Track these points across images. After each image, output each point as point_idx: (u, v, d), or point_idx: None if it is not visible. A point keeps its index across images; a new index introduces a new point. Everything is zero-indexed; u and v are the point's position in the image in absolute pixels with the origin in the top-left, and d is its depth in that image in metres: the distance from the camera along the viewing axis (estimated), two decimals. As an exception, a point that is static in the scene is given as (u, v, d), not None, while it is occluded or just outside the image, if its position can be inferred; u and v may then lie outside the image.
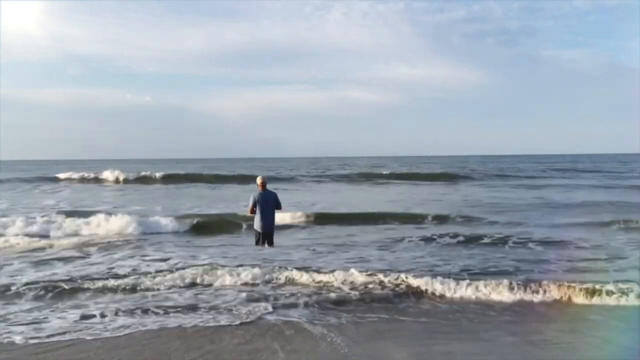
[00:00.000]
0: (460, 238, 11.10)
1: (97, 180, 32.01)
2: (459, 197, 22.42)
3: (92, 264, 8.81)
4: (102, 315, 6.02)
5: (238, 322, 5.83)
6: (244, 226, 13.25)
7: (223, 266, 8.10)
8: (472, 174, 38.26)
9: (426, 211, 15.65)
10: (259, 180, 10.20)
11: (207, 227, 13.65)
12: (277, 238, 10.50)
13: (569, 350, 5.08)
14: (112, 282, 7.34)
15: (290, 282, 7.45)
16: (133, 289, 7.13)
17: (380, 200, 21.41)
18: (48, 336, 5.36)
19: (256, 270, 7.73)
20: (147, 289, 7.14)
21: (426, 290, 6.98)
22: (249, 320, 5.90)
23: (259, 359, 4.82)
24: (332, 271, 7.84)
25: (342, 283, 7.25)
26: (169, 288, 7.22)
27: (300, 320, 5.88)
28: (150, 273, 7.81)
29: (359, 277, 7.43)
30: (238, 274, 7.59)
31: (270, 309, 6.30)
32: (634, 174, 38.99)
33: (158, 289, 7.16)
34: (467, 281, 7.18)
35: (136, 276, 7.64)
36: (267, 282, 7.44)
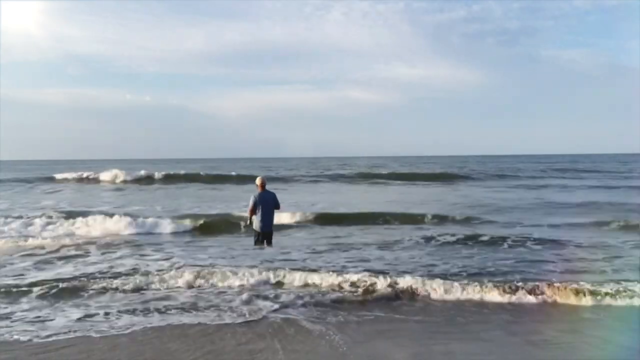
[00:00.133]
0: (460, 238, 11.10)
1: (97, 180, 31.99)
2: (459, 197, 22.43)
3: (92, 264, 8.82)
4: (103, 315, 6.02)
5: (238, 321, 5.84)
6: (243, 224, 13.21)
7: (223, 266, 8.10)
8: (471, 174, 38.27)
9: (426, 211, 15.65)
10: (258, 181, 10.21)
11: (206, 227, 13.65)
12: (277, 238, 10.52)
13: (568, 350, 5.09)
14: (112, 282, 7.34)
15: (290, 282, 7.44)
16: (133, 289, 7.13)
17: (379, 200, 21.42)
18: (49, 335, 5.36)
19: (256, 270, 7.74)
20: (147, 289, 7.15)
21: (426, 290, 6.98)
22: (249, 319, 5.91)
23: (259, 358, 4.82)
24: (332, 271, 7.86)
25: (342, 283, 7.26)
26: (169, 288, 7.23)
27: (301, 320, 5.89)
28: (150, 273, 7.82)
29: (359, 277, 7.43)
30: (238, 274, 7.59)
31: (270, 308, 6.31)
32: (634, 174, 39.02)
33: (158, 289, 7.16)
34: (467, 281, 7.20)
35: (136, 276, 7.64)
36: (267, 282, 7.44)
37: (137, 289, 7.13)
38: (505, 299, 6.74)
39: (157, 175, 32.27)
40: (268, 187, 10.26)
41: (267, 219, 9.92)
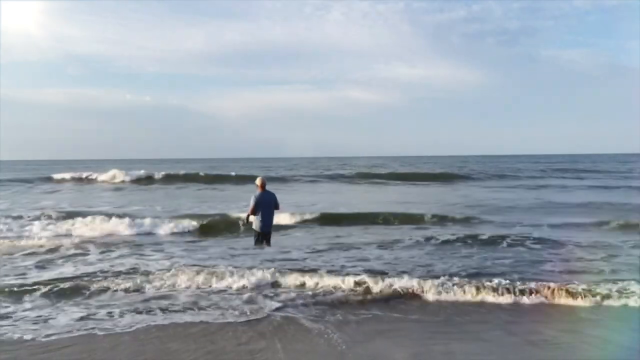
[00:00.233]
0: (459, 238, 11.10)
1: (97, 180, 31.99)
2: (458, 197, 22.44)
3: (92, 264, 8.82)
4: (104, 315, 6.04)
5: (239, 321, 5.86)
6: (241, 223, 13.20)
7: (223, 266, 8.11)
8: (471, 174, 38.28)
9: (425, 211, 15.65)
10: (258, 181, 10.22)
11: (206, 227, 13.65)
12: (277, 238, 10.55)
13: (568, 350, 5.10)
14: (113, 282, 7.35)
15: (290, 281, 7.45)
16: (133, 289, 7.14)
17: (379, 200, 21.44)
18: (52, 334, 5.39)
19: (256, 270, 7.75)
20: (148, 289, 7.16)
21: (425, 290, 6.99)
22: (249, 319, 5.92)
23: (260, 358, 4.84)
24: (332, 271, 7.87)
25: (342, 283, 7.26)
26: (169, 288, 7.24)
27: (301, 320, 5.90)
28: (150, 272, 7.83)
29: (359, 277, 7.44)
30: (238, 274, 7.60)
31: (270, 308, 6.32)
32: (634, 174, 39.03)
33: (158, 289, 7.17)
34: (466, 281, 7.21)
35: (136, 275, 7.65)
36: (267, 281, 7.45)
37: (137, 289, 7.14)
38: (504, 299, 6.75)
39: (157, 175, 32.28)
40: (268, 187, 10.27)
41: (267, 219, 9.95)
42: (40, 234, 12.46)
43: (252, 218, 9.98)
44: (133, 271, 8.05)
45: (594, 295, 6.67)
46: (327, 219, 14.71)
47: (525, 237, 11.08)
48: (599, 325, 5.83)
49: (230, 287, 7.23)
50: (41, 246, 10.54)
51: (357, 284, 7.22)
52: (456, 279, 7.32)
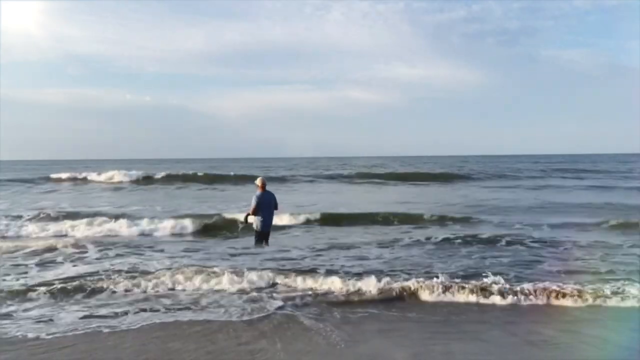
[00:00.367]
0: (459, 237, 11.12)
1: (97, 180, 32.00)
2: (458, 197, 22.44)
3: (92, 264, 8.83)
4: (105, 314, 6.06)
5: (239, 320, 5.87)
6: (240, 223, 13.20)
7: (223, 266, 8.12)
8: (471, 174, 38.26)
9: (425, 211, 15.66)
10: (259, 182, 10.24)
11: (206, 227, 13.66)
12: (277, 238, 10.57)
13: (567, 350, 5.11)
14: (113, 282, 7.36)
15: (291, 281, 7.46)
16: (134, 289, 7.15)
17: (379, 200, 21.44)
18: (54, 333, 5.40)
19: (256, 270, 7.76)
20: (148, 289, 7.17)
21: (425, 290, 7.00)
22: (249, 319, 5.93)
23: (260, 358, 4.84)
24: (332, 271, 7.88)
25: (342, 282, 7.27)
26: (169, 288, 7.25)
27: (301, 320, 5.91)
28: (150, 272, 7.83)
29: (358, 277, 7.45)
30: (238, 274, 7.61)
31: (270, 308, 6.33)
32: (634, 174, 39.02)
33: (158, 289, 7.18)
34: (466, 281, 7.21)
35: (136, 275, 7.66)
36: (267, 281, 7.46)
37: (137, 289, 7.15)
38: (503, 299, 6.76)
39: (157, 175, 32.28)
40: (267, 187, 10.30)
41: (268, 219, 10.06)
42: (39, 233, 12.49)
43: (251, 218, 10.01)
44: (133, 271, 8.05)
45: (592, 295, 6.68)
46: (327, 219, 14.72)
47: (525, 237, 11.10)
48: (597, 325, 5.84)
49: (230, 287, 7.24)
50: (41, 246, 10.55)
51: (356, 284, 7.23)
52: (456, 279, 7.33)
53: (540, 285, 6.99)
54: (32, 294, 6.85)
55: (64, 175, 33.22)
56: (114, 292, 7.06)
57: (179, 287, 7.27)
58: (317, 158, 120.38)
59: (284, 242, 11.04)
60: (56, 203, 19.16)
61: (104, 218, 13.72)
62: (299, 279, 7.50)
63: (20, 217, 14.26)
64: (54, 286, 7.13)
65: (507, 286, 6.98)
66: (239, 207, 15.40)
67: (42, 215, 14.49)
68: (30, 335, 5.41)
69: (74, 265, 8.74)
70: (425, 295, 6.92)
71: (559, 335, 5.51)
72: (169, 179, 31.76)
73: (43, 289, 7.02)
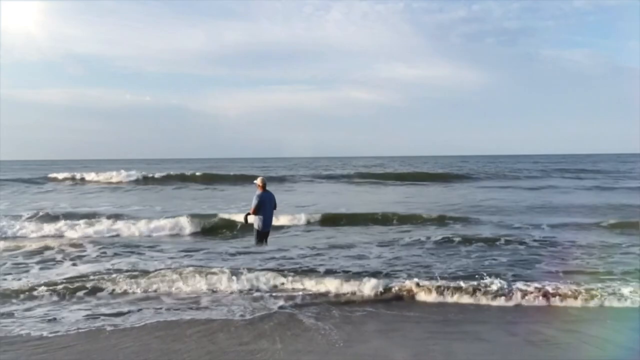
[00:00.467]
0: (459, 237, 11.11)
1: (96, 180, 31.96)
2: (458, 197, 22.43)
3: (92, 264, 8.82)
4: (105, 314, 6.05)
5: (239, 320, 5.87)
6: (240, 222, 13.21)
7: (222, 266, 8.11)
8: (471, 174, 38.26)
9: (425, 211, 15.67)
10: (259, 181, 10.25)
11: (206, 227, 13.65)
12: (277, 238, 10.56)
13: (568, 350, 5.11)
14: (112, 282, 7.35)
15: (291, 281, 7.45)
16: (134, 288, 7.15)
17: (379, 200, 21.43)
18: (56, 332, 5.42)
19: (256, 271, 7.75)
20: (148, 289, 7.17)
21: (425, 290, 7.00)
22: (249, 318, 5.94)
23: (260, 358, 4.84)
24: (332, 271, 7.87)
25: (342, 282, 7.27)
26: (169, 288, 7.24)
27: (301, 320, 5.91)
28: (150, 272, 7.82)
29: (358, 277, 7.45)
30: (238, 274, 7.60)
31: (270, 308, 6.33)
32: (634, 174, 39.03)
33: (158, 289, 7.18)
34: (466, 281, 7.21)
35: (136, 275, 7.65)
36: (267, 282, 7.45)
37: (137, 289, 7.15)
38: (504, 299, 6.75)
39: (157, 175, 32.25)
40: (267, 187, 10.31)
41: (268, 219, 10.13)
42: (38, 233, 12.48)
43: (252, 218, 10.02)
44: (133, 271, 8.05)
45: (593, 295, 6.68)
46: (327, 219, 14.72)
47: (524, 237, 11.09)
48: (598, 325, 5.84)
49: (230, 287, 7.24)
50: (40, 245, 10.53)
51: (356, 284, 7.23)
52: (456, 280, 7.33)
53: (541, 285, 6.99)
54: (33, 293, 6.85)
55: (63, 175, 33.17)
56: (115, 291, 7.06)
57: (179, 287, 7.27)
58: (316, 158, 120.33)
59: (284, 242, 11.03)
60: (55, 203, 19.15)
61: (104, 218, 13.70)
62: (299, 278, 7.50)
63: (19, 216, 14.24)
64: (56, 285, 7.14)
65: (507, 286, 6.98)
66: (238, 207, 15.40)
67: (41, 215, 14.46)
68: (33, 333, 5.41)
69: (74, 265, 8.74)
70: (424, 295, 6.92)
71: (559, 335, 5.51)
72: (169, 179, 31.73)
73: (44, 288, 7.03)
